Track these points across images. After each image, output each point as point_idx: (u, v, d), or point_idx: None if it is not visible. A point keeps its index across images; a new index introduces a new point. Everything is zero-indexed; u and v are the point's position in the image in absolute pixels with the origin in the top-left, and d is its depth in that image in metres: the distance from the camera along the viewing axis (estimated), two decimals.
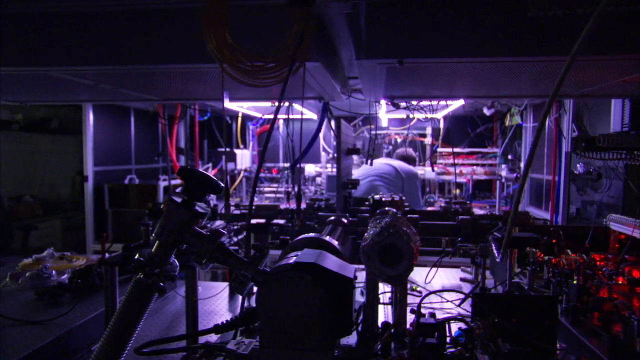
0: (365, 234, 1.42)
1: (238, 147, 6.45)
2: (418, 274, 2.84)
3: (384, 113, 5.76)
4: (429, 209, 5.49)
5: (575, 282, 2.12)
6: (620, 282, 2.13)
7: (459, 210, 2.06)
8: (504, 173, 5.64)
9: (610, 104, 3.10)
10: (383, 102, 4.14)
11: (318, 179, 6.65)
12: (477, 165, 5.99)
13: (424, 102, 2.76)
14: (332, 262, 0.90)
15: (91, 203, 5.08)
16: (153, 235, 0.99)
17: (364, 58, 1.43)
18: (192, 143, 5.56)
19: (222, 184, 1.06)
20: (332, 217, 1.80)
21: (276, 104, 3.20)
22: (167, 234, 0.97)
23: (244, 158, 6.32)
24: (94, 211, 5.09)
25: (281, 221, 2.26)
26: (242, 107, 5.26)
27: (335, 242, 1.20)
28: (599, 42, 1.29)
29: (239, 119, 6.32)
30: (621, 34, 1.30)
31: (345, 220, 1.75)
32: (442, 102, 3.46)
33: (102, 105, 5.18)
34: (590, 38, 0.94)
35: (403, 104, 2.58)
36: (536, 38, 1.31)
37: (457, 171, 5.97)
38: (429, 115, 4.07)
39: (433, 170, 5.43)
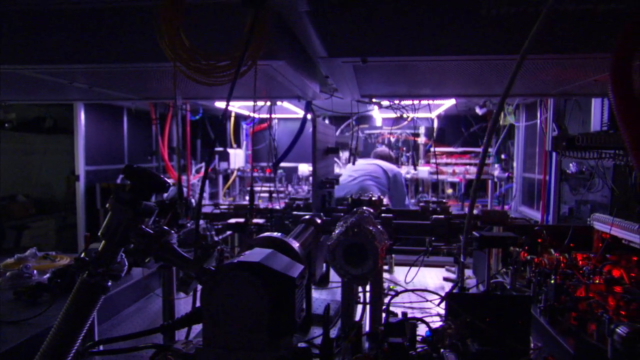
0: (333, 234, 1.42)
1: (231, 147, 6.44)
2: (402, 273, 2.84)
3: (377, 112, 5.77)
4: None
5: (552, 281, 2.12)
6: (597, 281, 2.13)
7: (437, 210, 2.06)
8: (496, 172, 5.63)
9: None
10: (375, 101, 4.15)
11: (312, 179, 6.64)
12: (470, 164, 5.99)
13: (406, 102, 2.75)
14: (278, 262, 0.90)
15: (83, 202, 5.08)
16: (99, 234, 0.99)
17: (327, 57, 1.42)
18: (184, 142, 5.55)
19: (170, 183, 1.06)
20: (307, 217, 1.80)
21: (260, 103, 3.18)
22: (112, 233, 0.97)
23: (237, 157, 6.32)
24: (85, 211, 5.09)
25: (260, 220, 2.26)
26: (233, 107, 5.25)
27: (296, 243, 1.19)
28: (555, 40, 1.28)
29: (232, 118, 6.31)
30: (580, 33, 1.29)
31: (319, 220, 1.75)
32: (430, 102, 3.44)
33: (95, 105, 5.18)
34: (544, 37, 0.93)
35: (386, 103, 2.57)
36: (491, 36, 1.30)
37: (450, 170, 5.97)
38: (413, 115, 4.07)
39: (415, 169, 5.44)
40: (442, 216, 1.83)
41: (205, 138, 6.59)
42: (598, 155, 2.15)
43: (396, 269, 2.91)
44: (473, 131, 6.50)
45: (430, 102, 2.69)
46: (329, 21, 1.36)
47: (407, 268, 2.94)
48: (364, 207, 1.90)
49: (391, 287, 2.14)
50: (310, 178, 6.75)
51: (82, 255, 1.03)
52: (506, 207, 5.46)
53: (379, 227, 1.45)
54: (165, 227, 1.02)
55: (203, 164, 6.20)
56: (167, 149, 5.41)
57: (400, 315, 1.74)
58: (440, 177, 5.99)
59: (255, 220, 2.25)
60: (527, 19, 1.23)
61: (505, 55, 1.34)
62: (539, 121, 4.69)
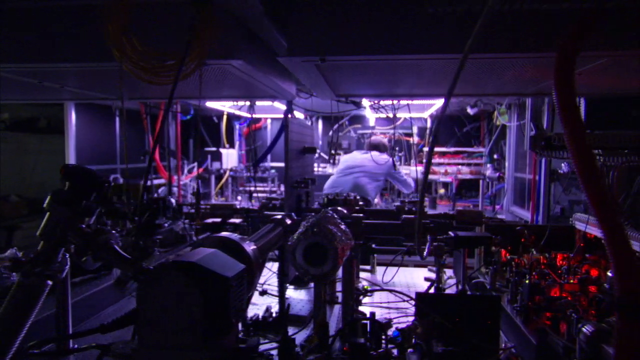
0: (294, 234, 1.42)
1: (224, 147, 6.44)
2: (386, 274, 2.84)
3: (370, 112, 5.77)
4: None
5: (527, 281, 2.12)
6: (571, 281, 2.13)
7: (412, 210, 2.05)
8: (488, 172, 5.63)
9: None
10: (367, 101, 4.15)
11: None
12: (462, 164, 5.98)
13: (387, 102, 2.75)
14: (216, 261, 0.90)
15: None
16: (37, 234, 0.99)
17: (285, 56, 1.42)
18: (175, 142, 5.56)
19: (110, 181, 1.06)
20: (278, 217, 1.80)
21: (239, 103, 3.17)
22: (50, 233, 0.97)
23: (230, 157, 6.32)
24: None
25: (237, 220, 2.26)
26: (224, 107, 5.26)
27: (250, 244, 1.19)
28: (516, 39, 1.28)
29: (224, 118, 6.31)
30: (542, 32, 1.29)
31: (289, 221, 1.75)
32: (409, 102, 3.43)
33: (87, 104, 5.18)
34: (489, 36, 0.93)
35: (367, 103, 2.57)
36: (437, 36, 1.30)
37: (443, 170, 5.96)
38: (407, 115, 4.06)
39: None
40: (412, 216, 1.82)
41: (199, 138, 6.60)
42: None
43: (380, 269, 2.91)
44: (466, 131, 6.51)
45: (410, 102, 2.69)
46: (286, 21, 1.36)
47: (394, 268, 2.95)
48: (330, 208, 1.90)
49: (365, 287, 2.15)
50: None
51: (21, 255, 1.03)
52: (497, 207, 5.46)
53: (342, 226, 1.44)
54: (102, 227, 1.02)
55: (195, 164, 6.20)
56: (158, 149, 5.40)
57: (368, 315, 1.74)
58: (433, 177, 5.99)
59: (232, 220, 2.25)
60: (486, 17, 1.23)
61: (449, 54, 1.33)
62: (527, 121, 4.69)
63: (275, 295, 2.40)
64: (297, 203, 2.07)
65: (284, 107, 4.97)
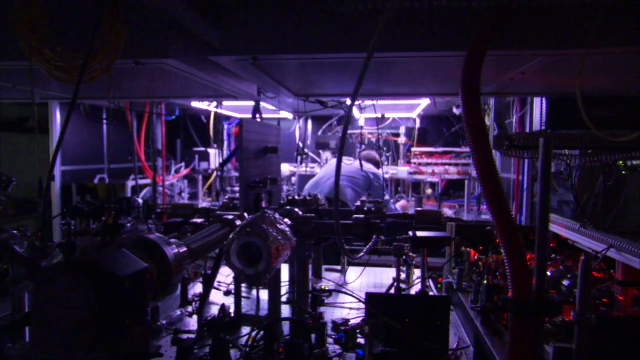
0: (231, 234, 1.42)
1: (212, 147, 6.43)
2: (356, 274, 2.84)
3: (358, 112, 5.75)
4: (398, 204, 5.49)
5: (485, 281, 2.11)
6: None
7: (372, 210, 2.05)
8: (473, 173, 5.62)
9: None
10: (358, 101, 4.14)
11: (293, 179, 6.65)
12: (450, 164, 5.97)
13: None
14: (115, 261, 0.90)
15: (58, 203, 5.09)
16: None
17: (216, 55, 1.42)
18: (154, 141, 5.53)
19: (7, 177, 1.06)
20: (228, 217, 1.80)
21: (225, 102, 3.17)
22: None
23: (218, 157, 6.32)
24: (61, 211, 5.09)
25: (199, 220, 2.25)
26: (209, 106, 5.25)
27: (171, 246, 1.18)
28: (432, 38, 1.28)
29: (211, 118, 6.29)
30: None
31: (238, 221, 1.74)
32: (374, 102, 3.43)
33: (77, 104, 5.17)
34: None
35: (333, 102, 2.56)
36: (348, 34, 1.29)
37: (430, 170, 5.95)
38: (394, 115, 4.05)
39: (378, 166, 5.45)
40: (362, 216, 1.82)
41: (186, 138, 6.60)
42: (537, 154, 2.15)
43: (356, 269, 2.92)
44: (455, 131, 6.49)
45: (375, 102, 2.68)
46: (219, 19, 1.35)
47: (368, 268, 2.95)
48: (287, 207, 1.89)
49: (323, 287, 2.14)
50: (292, 178, 6.75)
51: None
52: (483, 207, 5.44)
53: (280, 226, 1.44)
54: (2, 226, 1.01)
55: (183, 164, 6.20)
56: (143, 149, 5.40)
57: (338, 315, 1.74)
58: (420, 177, 5.98)
59: (194, 220, 2.25)
60: (417, 15, 1.22)
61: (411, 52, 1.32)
62: (513, 120, 4.67)
63: (244, 297, 2.41)
64: (255, 203, 2.06)
65: (272, 107, 4.97)
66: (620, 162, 2.23)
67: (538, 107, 2.19)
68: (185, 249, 1.27)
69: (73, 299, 0.82)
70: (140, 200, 2.50)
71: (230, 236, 1.36)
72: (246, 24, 1.36)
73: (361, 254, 1.87)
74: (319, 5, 1.33)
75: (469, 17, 1.25)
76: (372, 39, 0.92)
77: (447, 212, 5.49)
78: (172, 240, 1.28)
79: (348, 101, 4.12)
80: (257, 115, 2.80)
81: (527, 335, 0.87)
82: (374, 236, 1.79)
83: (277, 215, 1.49)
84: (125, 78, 1.93)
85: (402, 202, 5.74)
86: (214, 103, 5.09)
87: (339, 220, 1.35)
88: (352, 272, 2.82)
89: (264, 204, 2.26)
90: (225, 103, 5.12)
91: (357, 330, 1.62)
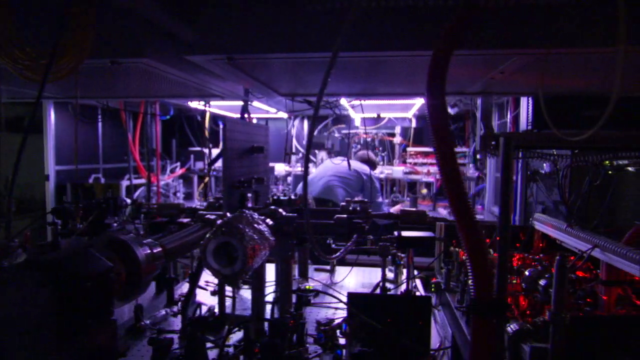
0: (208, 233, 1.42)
1: (206, 147, 6.42)
2: (346, 274, 2.84)
3: (353, 112, 5.75)
4: (394, 208, 5.48)
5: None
6: (513, 281, 2.12)
7: (357, 210, 2.05)
8: (468, 173, 5.61)
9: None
10: (346, 100, 4.13)
11: (289, 179, 6.64)
12: None
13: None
14: (78, 261, 0.90)
15: (52, 202, 5.09)
16: None
17: (190, 54, 1.41)
18: (150, 141, 5.54)
19: None
20: (211, 217, 1.79)
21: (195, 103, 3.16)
22: None
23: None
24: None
25: (185, 220, 2.25)
26: (199, 105, 5.24)
27: (143, 246, 1.17)
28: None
29: (207, 117, 6.29)
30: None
31: (220, 221, 1.74)
32: (362, 102, 3.42)
33: (67, 104, 5.18)
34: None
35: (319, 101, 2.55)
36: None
37: (425, 170, 5.94)
38: (389, 115, 4.04)
39: (374, 167, 5.45)
40: (345, 215, 1.82)
41: (182, 138, 6.60)
42: (524, 154, 2.15)
43: (344, 269, 2.92)
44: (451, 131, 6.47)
45: (361, 102, 2.68)
46: (194, 18, 1.35)
47: (345, 268, 2.95)
48: (272, 207, 1.89)
49: (307, 287, 2.14)
50: (288, 178, 6.75)
51: None
52: (478, 207, 5.43)
53: (258, 226, 1.44)
54: None
55: (178, 164, 6.20)
56: (137, 149, 5.40)
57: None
58: (416, 177, 5.97)
59: (180, 220, 2.25)
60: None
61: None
62: (508, 120, 4.67)
63: (228, 296, 2.41)
64: (240, 203, 2.06)
65: (266, 107, 4.97)
66: (607, 162, 2.23)
67: (524, 107, 2.19)
68: (159, 249, 1.27)
69: (33, 299, 0.82)
70: (128, 200, 2.50)
71: (207, 236, 1.36)
72: (221, 22, 1.36)
73: (338, 254, 1.87)
74: (291, 5, 1.32)
75: (436, 16, 1.25)
76: (338, 38, 0.92)
77: (442, 212, 5.48)
78: (147, 240, 1.27)
79: (344, 101, 4.12)
80: (246, 115, 2.80)
81: (487, 335, 0.87)
82: (354, 236, 1.78)
83: (255, 215, 1.49)
84: (106, 78, 1.93)
85: (397, 207, 5.72)
86: (210, 102, 5.09)
87: (309, 220, 1.35)
88: (343, 272, 2.82)
89: (250, 204, 2.26)
90: (222, 103, 5.11)
91: (337, 331, 1.62)
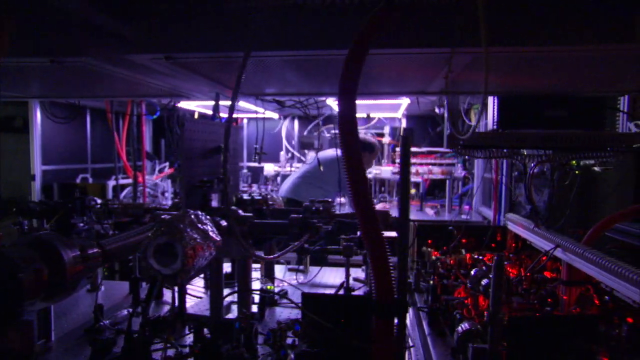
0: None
1: None
2: (323, 274, 2.84)
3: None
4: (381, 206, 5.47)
5: (431, 282, 2.10)
6: None
7: (320, 210, 2.04)
8: (456, 173, 5.60)
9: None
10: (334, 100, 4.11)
11: (279, 179, 6.64)
12: (434, 164, 5.94)
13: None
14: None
15: None
16: None
17: (129, 53, 1.40)
18: (140, 141, 5.53)
19: None
20: (167, 217, 1.79)
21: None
22: None
23: None
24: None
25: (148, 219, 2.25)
26: (189, 105, 5.24)
27: (75, 249, 1.17)
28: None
29: (195, 117, 6.29)
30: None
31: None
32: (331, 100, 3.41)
33: (55, 103, 5.19)
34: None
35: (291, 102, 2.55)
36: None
37: (414, 170, 5.93)
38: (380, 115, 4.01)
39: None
40: (299, 216, 1.81)
41: (172, 138, 6.59)
42: (489, 154, 2.14)
43: (327, 270, 2.92)
44: (440, 130, 6.46)
45: (332, 100, 2.67)
46: (131, 16, 1.34)
47: (334, 269, 2.95)
48: (234, 207, 1.89)
49: (269, 287, 2.13)
50: (278, 178, 6.75)
51: None
52: (466, 207, 5.42)
53: (203, 226, 1.43)
54: None
55: (167, 164, 6.19)
56: (124, 149, 5.40)
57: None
58: None
59: (145, 220, 2.24)
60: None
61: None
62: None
63: (194, 296, 2.41)
64: (202, 203, 2.05)
65: (254, 107, 4.96)
66: (574, 162, 2.22)
67: (491, 107, 2.18)
68: (96, 250, 1.27)
69: None
70: (98, 200, 2.49)
71: (148, 235, 1.35)
72: (158, 21, 1.35)
73: (278, 254, 1.86)
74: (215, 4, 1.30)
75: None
76: (249, 37, 0.91)
77: (429, 212, 5.47)
78: (84, 242, 1.27)
79: (330, 101, 4.09)
80: (217, 115, 2.79)
81: (387, 336, 0.86)
82: (305, 236, 1.77)
83: (201, 215, 1.48)
84: (49, 76, 1.90)
85: (382, 204, 5.71)
86: (198, 102, 5.08)
87: (234, 224, 1.34)
88: (321, 273, 2.82)
89: (215, 204, 2.25)
90: (200, 103, 5.11)
91: (289, 331, 1.61)
